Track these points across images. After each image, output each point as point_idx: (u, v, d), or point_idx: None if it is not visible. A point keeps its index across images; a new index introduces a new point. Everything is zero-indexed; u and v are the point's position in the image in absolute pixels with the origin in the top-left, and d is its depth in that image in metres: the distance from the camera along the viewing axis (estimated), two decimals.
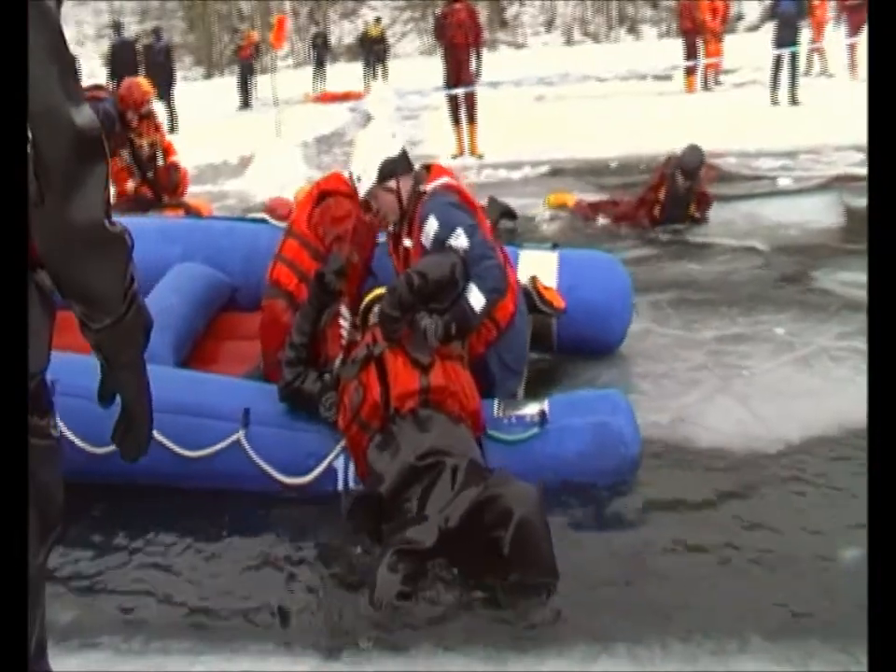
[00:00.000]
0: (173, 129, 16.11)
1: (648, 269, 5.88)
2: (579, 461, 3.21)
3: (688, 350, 4.50)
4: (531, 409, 3.31)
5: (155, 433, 3.12)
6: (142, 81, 7.60)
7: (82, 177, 1.34)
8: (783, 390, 3.96)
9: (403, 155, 3.63)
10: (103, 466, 3.14)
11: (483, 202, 7.28)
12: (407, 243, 3.61)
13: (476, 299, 3.32)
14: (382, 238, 3.94)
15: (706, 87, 16.55)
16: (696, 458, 3.46)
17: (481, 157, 10.99)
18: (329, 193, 3.80)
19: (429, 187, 3.55)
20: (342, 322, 3.51)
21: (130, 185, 7.74)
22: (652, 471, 3.35)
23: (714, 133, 10.53)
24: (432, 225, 3.43)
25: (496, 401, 3.38)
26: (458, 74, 10.66)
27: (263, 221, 5.02)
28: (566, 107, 14.71)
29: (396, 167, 3.58)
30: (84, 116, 1.34)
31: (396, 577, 2.60)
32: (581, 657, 2.42)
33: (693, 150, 6.91)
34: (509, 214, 7.26)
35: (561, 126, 12.19)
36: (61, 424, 2.47)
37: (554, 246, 4.51)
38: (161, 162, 7.82)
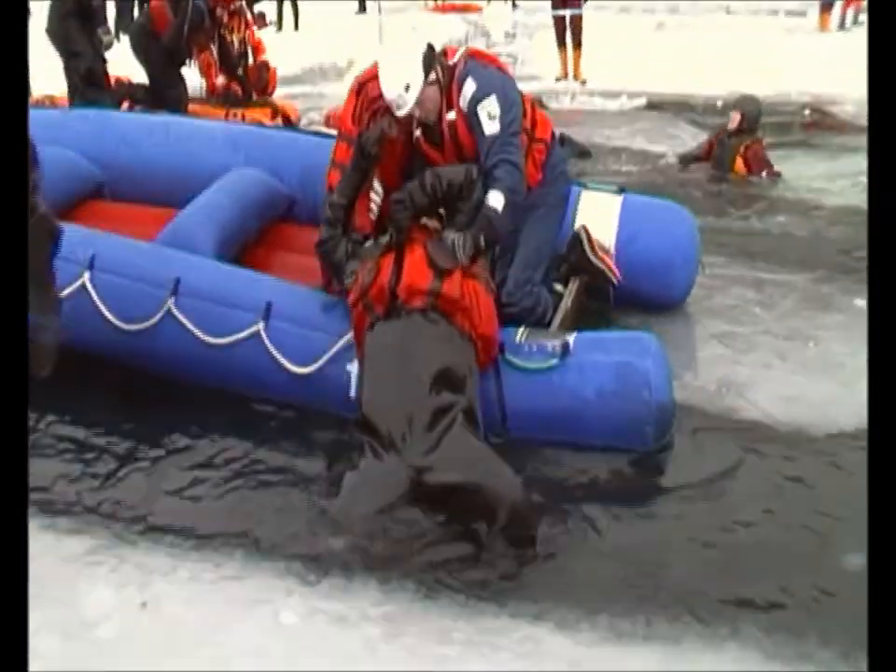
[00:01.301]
0: (296, 26, 16.04)
1: (721, 220, 5.56)
2: (597, 400, 3.08)
3: (755, 313, 4.23)
4: (555, 340, 3.17)
5: (181, 317, 3.37)
6: None
7: None
8: (847, 366, 3.66)
9: (430, 46, 3.45)
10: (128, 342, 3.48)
11: (568, 130, 7.10)
12: (451, 116, 3.45)
13: (496, 199, 3.25)
14: None
15: (842, 26, 15.45)
16: (735, 431, 3.26)
17: (584, 82, 10.62)
18: (368, 81, 3.64)
19: (456, 58, 3.47)
20: (372, 196, 3.51)
21: (219, 81, 7.72)
22: (684, 443, 3.18)
23: (835, 78, 9.89)
24: (470, 86, 3.37)
25: (521, 328, 3.26)
26: None
27: None
28: (684, 38, 13.96)
29: (432, 60, 3.41)
30: None
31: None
32: (558, 621, 2.36)
33: (749, 100, 6.55)
34: (583, 153, 7.06)
35: (674, 57, 11.60)
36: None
37: (621, 190, 4.21)
38: (251, 60, 7.77)
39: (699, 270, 4.18)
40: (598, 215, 3.94)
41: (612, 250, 3.90)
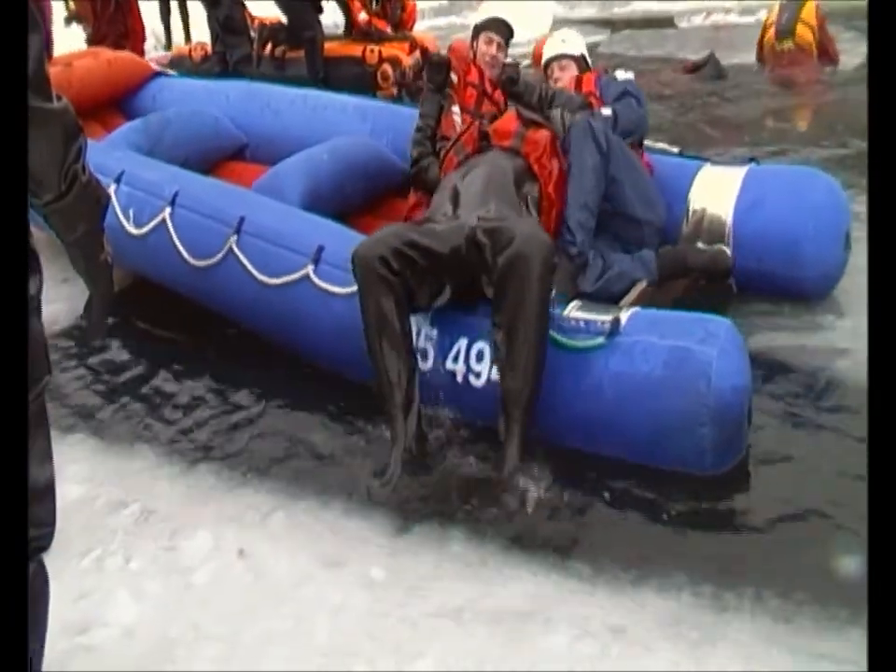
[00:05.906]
0: None
1: None
2: (645, 386, 2.57)
3: None
4: (606, 315, 2.73)
5: (240, 254, 3.44)
6: None
7: None
8: None
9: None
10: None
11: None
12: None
13: (606, 111, 3.67)
14: None
15: None
16: None
17: None
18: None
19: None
20: (454, 117, 3.81)
21: (362, 16, 7.62)
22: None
23: None
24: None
25: (575, 301, 2.90)
26: None
27: None
28: None
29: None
30: None
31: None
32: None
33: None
34: (721, 76, 7.51)
35: None
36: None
37: (751, 160, 3.72)
38: None
39: (846, 248, 3.55)
40: (715, 188, 3.60)
41: (729, 223, 3.54)
